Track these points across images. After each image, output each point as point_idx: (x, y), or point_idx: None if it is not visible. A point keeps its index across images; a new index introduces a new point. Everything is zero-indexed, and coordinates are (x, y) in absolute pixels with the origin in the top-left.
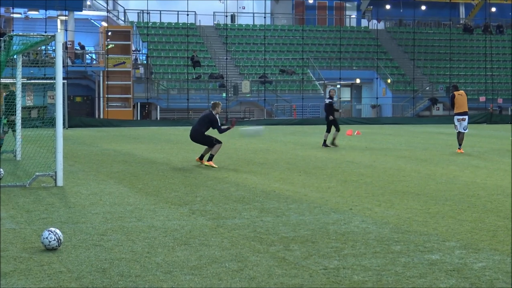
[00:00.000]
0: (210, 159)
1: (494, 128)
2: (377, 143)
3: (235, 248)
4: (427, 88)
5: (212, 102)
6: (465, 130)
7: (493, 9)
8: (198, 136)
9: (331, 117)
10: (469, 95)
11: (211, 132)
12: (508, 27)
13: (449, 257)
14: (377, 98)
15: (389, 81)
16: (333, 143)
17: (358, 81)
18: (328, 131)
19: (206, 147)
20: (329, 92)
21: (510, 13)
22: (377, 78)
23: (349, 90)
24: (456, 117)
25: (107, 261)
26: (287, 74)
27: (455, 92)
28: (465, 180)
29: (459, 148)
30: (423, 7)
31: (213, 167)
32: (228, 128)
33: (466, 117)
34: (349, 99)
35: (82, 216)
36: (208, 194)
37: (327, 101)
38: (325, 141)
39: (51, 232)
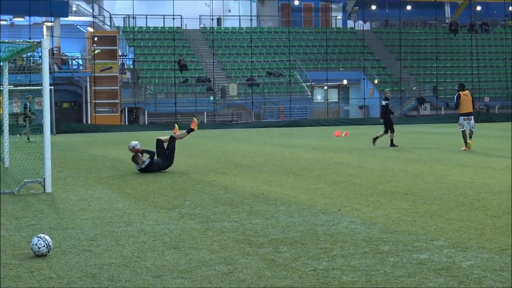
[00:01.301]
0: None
1: (482, 127)
2: (365, 143)
3: (224, 251)
4: (414, 88)
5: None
6: (473, 128)
7: (478, 8)
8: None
9: (381, 120)
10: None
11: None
12: (494, 25)
13: (438, 256)
14: (364, 98)
15: (376, 81)
16: (375, 139)
17: (345, 82)
18: (392, 131)
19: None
20: (385, 93)
21: (495, 11)
22: (364, 79)
23: (336, 91)
24: (461, 117)
25: (96, 266)
26: (274, 76)
27: (460, 92)
28: (453, 179)
29: (465, 146)
30: (409, 7)
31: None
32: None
33: (472, 116)
34: (337, 100)
35: (71, 222)
36: (197, 198)
37: (383, 102)
38: (392, 141)
39: (41, 238)
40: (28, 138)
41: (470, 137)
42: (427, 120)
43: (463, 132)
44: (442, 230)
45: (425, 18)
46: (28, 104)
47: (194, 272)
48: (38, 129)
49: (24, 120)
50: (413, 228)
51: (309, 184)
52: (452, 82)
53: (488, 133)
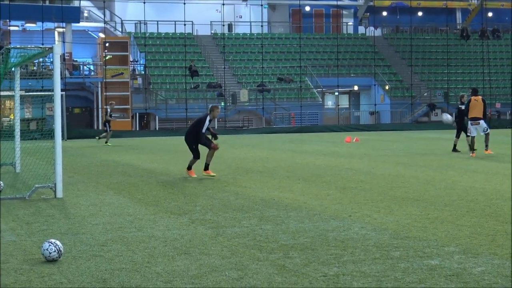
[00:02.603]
0: (206, 168)
1: (493, 133)
2: (375, 149)
3: (235, 256)
4: (425, 94)
5: (211, 104)
6: (485, 131)
7: (490, 14)
8: (190, 137)
9: (454, 124)
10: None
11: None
12: (505, 31)
13: (448, 262)
14: (375, 104)
15: (387, 87)
16: (455, 147)
17: (356, 88)
18: (458, 136)
19: (207, 154)
20: (461, 97)
21: (507, 18)
22: (375, 85)
23: (347, 97)
24: (469, 122)
25: (107, 272)
26: (285, 82)
27: (472, 97)
28: (464, 185)
29: (472, 152)
30: (420, 13)
31: (211, 176)
32: (206, 144)
33: (480, 121)
34: (348, 106)
35: (82, 227)
36: (208, 203)
37: (460, 106)
38: (455, 145)
39: (51, 243)
40: (106, 142)
41: (486, 144)
42: (438, 126)
43: (472, 138)
44: (453, 236)
45: (436, 24)
46: (109, 109)
47: (204, 277)
48: (49, 134)
49: (105, 125)
50: (424, 234)
51: (320, 190)
52: (463, 88)
53: (499, 139)
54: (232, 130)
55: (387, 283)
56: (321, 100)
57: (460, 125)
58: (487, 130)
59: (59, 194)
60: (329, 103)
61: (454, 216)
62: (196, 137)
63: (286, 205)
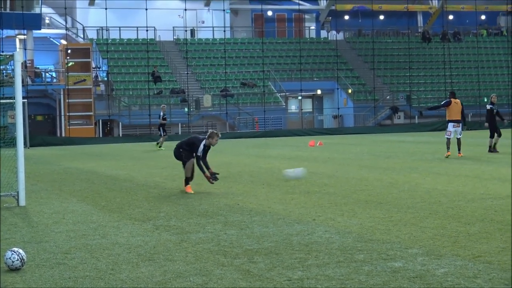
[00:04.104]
0: (186, 183)
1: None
2: (339, 153)
3: (199, 262)
4: (388, 97)
5: (210, 130)
6: (460, 135)
7: (451, 17)
8: (176, 152)
9: (486, 124)
10: (430, 103)
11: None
12: (466, 34)
13: (412, 264)
14: (338, 108)
15: (350, 91)
16: (494, 149)
17: (319, 92)
18: (492, 136)
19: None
20: (491, 98)
21: (467, 20)
22: (338, 89)
23: (310, 101)
24: (450, 124)
25: (71, 280)
26: (248, 87)
27: (452, 99)
28: (426, 188)
29: (448, 151)
30: (381, 17)
31: (189, 193)
32: (203, 171)
33: (460, 124)
34: (311, 110)
35: (45, 235)
36: (172, 209)
37: (488, 106)
38: (490, 146)
39: (14, 252)
40: (160, 147)
41: (459, 148)
42: (401, 129)
43: (448, 139)
44: (416, 238)
45: (398, 27)
46: (162, 113)
47: (169, 284)
48: (11, 142)
49: (159, 129)
50: (387, 237)
51: (284, 194)
52: (425, 90)
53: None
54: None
55: (351, 286)
56: (284, 104)
57: (492, 126)
58: (461, 133)
59: (22, 202)
60: (293, 107)
61: (417, 218)
62: (188, 157)
63: (250, 210)
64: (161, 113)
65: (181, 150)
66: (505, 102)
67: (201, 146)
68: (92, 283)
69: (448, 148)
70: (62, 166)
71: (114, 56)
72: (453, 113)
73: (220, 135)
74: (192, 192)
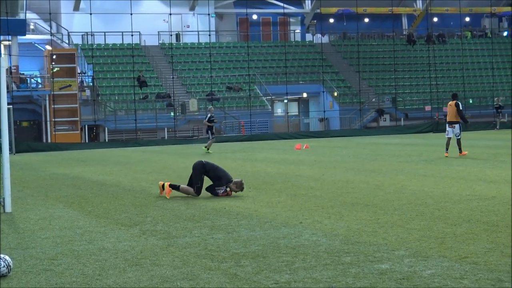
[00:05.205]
0: (172, 187)
1: (440, 137)
2: (325, 156)
3: (186, 266)
4: (374, 100)
5: (235, 179)
6: (457, 136)
7: (435, 19)
8: (199, 169)
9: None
10: (415, 105)
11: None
12: (450, 36)
13: (399, 266)
14: (324, 111)
15: (335, 94)
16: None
17: (305, 95)
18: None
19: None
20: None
21: (452, 23)
22: (323, 92)
23: (296, 104)
24: (447, 125)
25: (58, 286)
26: (234, 91)
27: (449, 102)
28: (413, 189)
29: (446, 152)
30: (366, 20)
31: (165, 196)
32: (216, 194)
33: (455, 125)
34: (297, 113)
35: (31, 242)
36: (158, 214)
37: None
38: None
39: (0, 259)
40: (207, 150)
41: (459, 147)
42: (386, 131)
43: (448, 139)
44: (402, 240)
45: (383, 30)
46: (209, 114)
47: None
48: None
49: (207, 132)
50: (374, 239)
51: (271, 198)
52: (411, 93)
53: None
54: (182, 140)
55: None
56: (270, 108)
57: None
58: (458, 135)
59: (8, 208)
60: (279, 110)
61: (403, 220)
62: (212, 189)
63: (237, 214)
64: (208, 115)
65: (203, 176)
66: (489, 103)
67: (222, 189)
68: None
69: (446, 148)
70: (48, 172)
71: (100, 61)
72: (448, 115)
73: (243, 190)
74: (168, 197)
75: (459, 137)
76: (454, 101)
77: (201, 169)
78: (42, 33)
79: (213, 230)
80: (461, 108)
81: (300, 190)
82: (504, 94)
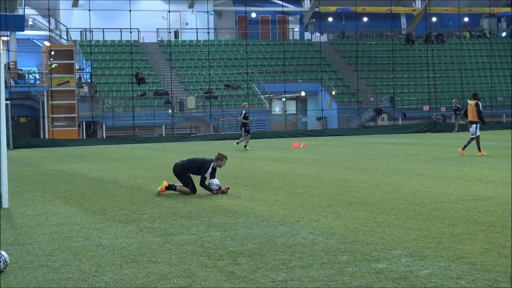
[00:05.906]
0: (169, 188)
1: (438, 137)
2: (323, 155)
3: (183, 264)
4: (372, 99)
5: (219, 151)
6: (471, 135)
7: (434, 19)
8: (180, 171)
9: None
10: (413, 105)
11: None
12: (449, 36)
13: (396, 265)
14: (322, 110)
15: (333, 93)
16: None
17: (303, 93)
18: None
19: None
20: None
21: (450, 23)
22: (321, 90)
23: (294, 103)
24: (469, 124)
25: (54, 282)
26: (232, 89)
27: (470, 101)
28: (410, 189)
29: (479, 151)
30: (365, 19)
31: (162, 192)
32: (211, 190)
33: (473, 124)
34: (295, 112)
35: (28, 237)
36: (156, 211)
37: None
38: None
39: None
40: (245, 147)
41: (478, 146)
42: (384, 130)
43: (476, 138)
44: (400, 239)
45: (382, 29)
46: (244, 111)
47: (152, 285)
48: None
49: (241, 129)
50: (371, 238)
51: (268, 196)
52: (409, 92)
53: (445, 143)
54: (179, 137)
55: (335, 287)
56: (268, 106)
57: None
58: (473, 134)
59: (5, 204)
60: (277, 109)
61: (400, 220)
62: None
63: (234, 212)
64: (243, 111)
65: (188, 175)
66: (488, 104)
67: (210, 169)
68: (75, 285)
69: (478, 148)
70: (45, 168)
71: (98, 58)
72: (469, 115)
73: (228, 158)
74: (165, 191)
75: (473, 135)
76: (475, 101)
77: (182, 171)
78: (41, 29)
79: (210, 228)
80: (480, 109)
81: (297, 189)
82: (502, 94)
